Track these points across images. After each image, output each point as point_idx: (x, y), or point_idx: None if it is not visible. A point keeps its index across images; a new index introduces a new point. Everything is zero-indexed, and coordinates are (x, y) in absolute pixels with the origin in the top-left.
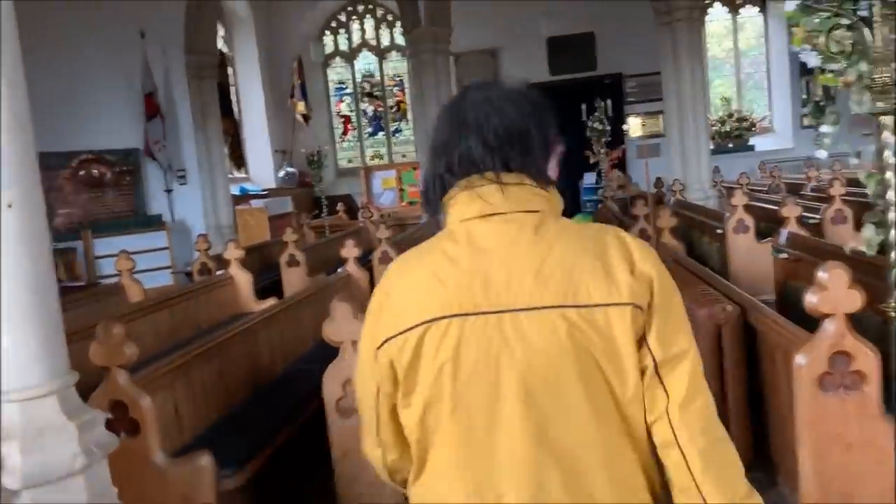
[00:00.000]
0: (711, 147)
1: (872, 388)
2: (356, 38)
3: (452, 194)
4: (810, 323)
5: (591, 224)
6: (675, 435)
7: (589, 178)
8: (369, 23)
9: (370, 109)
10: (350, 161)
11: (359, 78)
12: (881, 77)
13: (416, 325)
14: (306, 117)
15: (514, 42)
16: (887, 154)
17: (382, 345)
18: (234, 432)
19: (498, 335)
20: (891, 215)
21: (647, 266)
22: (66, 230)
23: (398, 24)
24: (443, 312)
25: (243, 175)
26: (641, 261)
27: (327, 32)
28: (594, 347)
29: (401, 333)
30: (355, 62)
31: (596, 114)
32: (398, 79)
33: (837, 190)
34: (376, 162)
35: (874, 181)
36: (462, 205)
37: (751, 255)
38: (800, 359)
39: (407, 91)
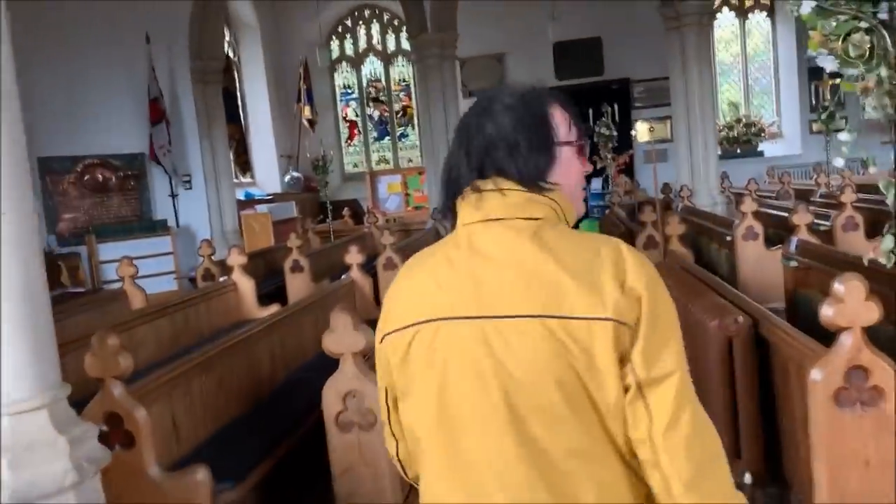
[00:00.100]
0: (719, 152)
1: (890, 405)
2: (362, 43)
3: (459, 199)
4: (821, 332)
5: (593, 234)
6: (658, 460)
7: (596, 184)
8: (376, 28)
9: (376, 114)
10: (356, 166)
11: (365, 83)
12: None
13: (408, 326)
14: (312, 122)
15: (521, 47)
16: None
17: (383, 339)
18: (234, 444)
19: (483, 340)
20: None
21: (639, 282)
22: (71, 235)
23: (404, 28)
24: (434, 315)
25: (249, 180)
26: (634, 277)
27: (334, 37)
28: (574, 359)
29: (396, 331)
30: (361, 67)
31: (603, 119)
32: (404, 83)
33: (849, 196)
34: (382, 167)
35: (894, 189)
36: (464, 209)
37: (760, 263)
38: (815, 374)
39: (413, 96)
